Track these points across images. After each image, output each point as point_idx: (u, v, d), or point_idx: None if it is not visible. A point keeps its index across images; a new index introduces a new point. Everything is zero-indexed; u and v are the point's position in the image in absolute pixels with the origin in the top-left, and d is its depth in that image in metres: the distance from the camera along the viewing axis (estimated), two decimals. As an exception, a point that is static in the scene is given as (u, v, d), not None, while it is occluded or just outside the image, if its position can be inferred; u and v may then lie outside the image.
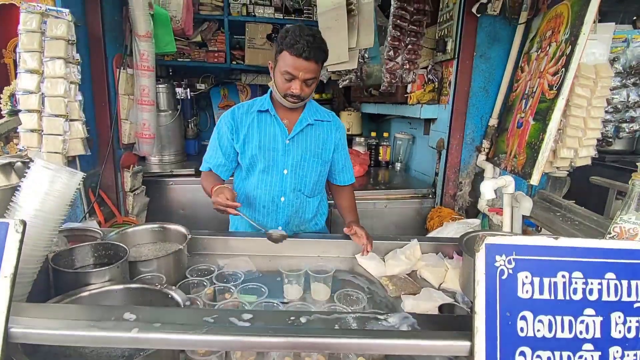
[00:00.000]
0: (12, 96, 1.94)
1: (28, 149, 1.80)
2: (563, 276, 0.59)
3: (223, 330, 0.56)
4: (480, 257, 0.58)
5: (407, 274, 1.51)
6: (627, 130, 2.02)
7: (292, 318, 0.66)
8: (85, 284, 1.00)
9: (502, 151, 2.00)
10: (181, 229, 1.49)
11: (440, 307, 1.11)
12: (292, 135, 1.62)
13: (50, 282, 1.04)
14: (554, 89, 1.67)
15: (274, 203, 1.67)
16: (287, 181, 1.65)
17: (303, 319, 0.66)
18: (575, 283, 0.59)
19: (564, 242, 0.60)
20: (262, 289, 1.19)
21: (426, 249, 1.63)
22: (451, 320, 0.69)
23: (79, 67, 1.84)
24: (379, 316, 0.69)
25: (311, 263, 1.41)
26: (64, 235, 1.39)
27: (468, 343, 0.58)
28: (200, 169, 1.71)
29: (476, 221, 2.07)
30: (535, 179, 1.54)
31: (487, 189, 1.39)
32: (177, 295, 0.99)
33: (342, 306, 1.12)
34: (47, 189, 0.79)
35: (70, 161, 1.91)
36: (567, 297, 0.59)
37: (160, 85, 2.86)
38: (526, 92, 1.90)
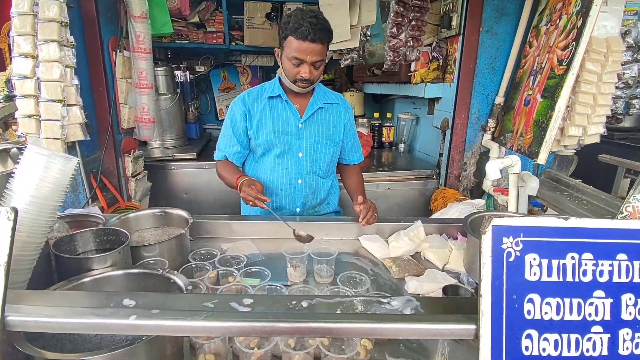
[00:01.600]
0: (8, 82, 1.90)
1: (27, 135, 1.78)
2: (572, 258, 0.57)
3: (223, 316, 0.55)
4: (487, 239, 0.56)
5: (410, 256, 1.50)
6: (637, 106, 1.96)
7: (293, 302, 0.65)
8: (87, 269, 1.00)
9: (509, 130, 1.95)
10: (183, 213, 1.48)
11: (445, 289, 1.11)
12: (305, 119, 1.66)
13: (53, 268, 1.04)
14: (564, 64, 1.61)
15: (291, 186, 1.72)
16: (302, 164, 1.69)
17: (305, 304, 0.65)
18: (585, 265, 0.57)
19: (574, 222, 0.57)
20: (265, 272, 1.19)
21: (430, 231, 1.62)
22: (455, 303, 0.68)
23: (73, 50, 1.80)
24: (382, 299, 0.68)
25: (314, 246, 1.41)
26: (66, 221, 1.38)
27: (473, 326, 0.56)
28: (215, 157, 1.74)
29: (481, 202, 2.04)
30: (542, 158, 1.50)
31: (492, 168, 1.36)
32: (179, 280, 0.99)
33: (345, 288, 1.11)
34: (42, 174, 0.78)
35: (70, 147, 1.89)
36: (577, 279, 0.57)
37: (158, 68, 2.81)
38: (534, 68, 1.83)
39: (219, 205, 2.81)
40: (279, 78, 1.67)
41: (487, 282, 0.56)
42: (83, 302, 0.63)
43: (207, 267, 1.22)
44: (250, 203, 1.47)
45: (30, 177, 0.76)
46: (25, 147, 0.81)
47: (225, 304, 0.63)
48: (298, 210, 1.75)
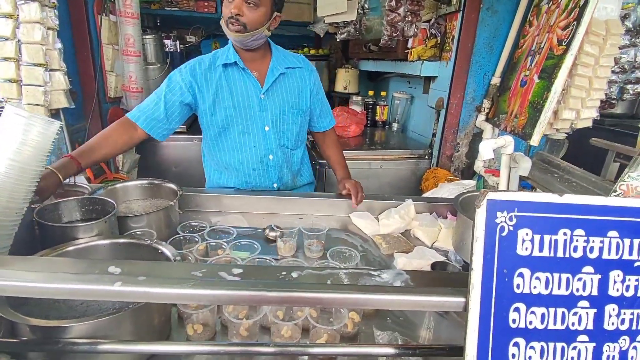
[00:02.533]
0: (-13, 43, 1.80)
1: (7, 101, 1.70)
2: (564, 234, 0.57)
3: (211, 284, 0.54)
4: (481, 213, 0.56)
5: (400, 233, 1.51)
6: (631, 92, 1.95)
7: (283, 273, 0.64)
8: (71, 238, 0.97)
9: (503, 111, 1.94)
10: (172, 185, 1.45)
11: (433, 265, 1.12)
12: (266, 89, 1.50)
13: (37, 236, 1.01)
14: (563, 44, 1.58)
15: (262, 163, 1.60)
16: (271, 138, 1.57)
17: (295, 274, 0.64)
18: (577, 241, 0.57)
19: (569, 199, 0.57)
20: (255, 246, 1.19)
21: (420, 209, 1.63)
22: (445, 277, 0.68)
23: (55, 10, 1.70)
24: (372, 272, 0.68)
25: (305, 221, 1.42)
26: (50, 190, 1.35)
27: (463, 299, 0.56)
28: (127, 114, 1.47)
29: (471, 182, 2.06)
30: (535, 140, 1.50)
31: (485, 148, 1.36)
32: (167, 250, 0.98)
33: (335, 263, 1.11)
34: (22, 137, 0.74)
35: (54, 114, 1.82)
36: (567, 255, 0.57)
37: (147, 36, 2.69)
38: (533, 48, 1.81)
39: None
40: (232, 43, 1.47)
41: (478, 255, 0.56)
42: (67, 268, 0.61)
43: (196, 239, 1.21)
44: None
45: (9, 140, 0.73)
46: (2, 107, 0.77)
47: (214, 273, 0.62)
48: (275, 186, 1.65)
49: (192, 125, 2.95)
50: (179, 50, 3.22)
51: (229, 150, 1.58)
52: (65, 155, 1.26)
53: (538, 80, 1.65)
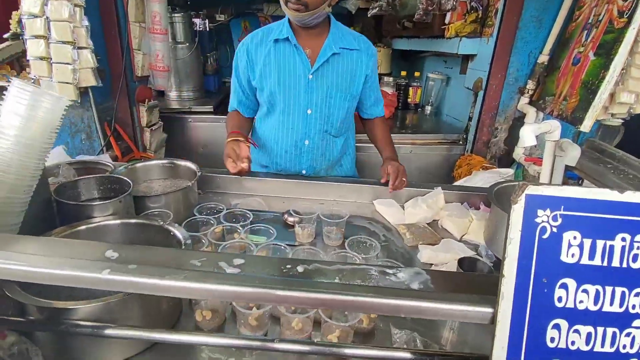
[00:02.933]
0: (20, 22, 1.84)
1: (39, 78, 1.74)
2: (623, 239, 0.47)
3: (203, 278, 0.49)
4: (518, 210, 0.46)
5: (427, 224, 1.42)
6: None
7: (288, 266, 0.59)
8: (87, 216, 0.97)
9: (550, 93, 1.76)
10: (191, 165, 1.44)
11: (461, 261, 1.03)
12: (316, 68, 1.41)
13: (55, 213, 1.02)
14: (625, 16, 1.38)
15: (297, 147, 1.54)
16: (311, 122, 1.49)
17: (300, 269, 0.58)
18: (638, 248, 0.47)
19: (631, 197, 0.46)
20: (271, 231, 1.14)
21: (451, 198, 1.53)
22: (471, 280, 0.60)
23: (82, -13, 1.70)
24: (388, 270, 0.61)
25: (326, 207, 1.36)
26: (75, 167, 1.37)
27: (490, 310, 0.48)
28: (229, 109, 1.65)
29: (509, 171, 1.90)
30: (587, 125, 1.34)
31: (528, 134, 1.22)
32: (178, 233, 0.96)
33: (353, 253, 1.05)
34: (28, 113, 0.72)
35: (83, 93, 1.85)
36: (625, 265, 0.47)
37: (175, 14, 2.68)
38: (589, 21, 1.60)
39: None
40: (288, 18, 1.41)
41: (512, 260, 0.47)
42: (64, 251, 0.58)
43: (212, 222, 1.18)
44: (231, 168, 1.30)
45: (14, 115, 0.71)
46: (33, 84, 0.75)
47: (213, 263, 0.57)
48: (304, 172, 1.60)
49: (220, 107, 2.93)
50: (207, 29, 3.19)
51: (268, 128, 1.57)
52: (230, 132, 1.45)
53: (594, 58, 1.46)
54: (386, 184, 1.45)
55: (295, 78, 1.43)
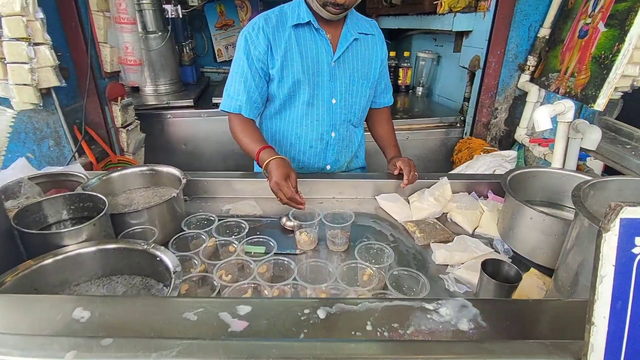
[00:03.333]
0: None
1: (-9, 82, 1.55)
2: None
3: (200, 351, 0.37)
4: (611, 240, 0.36)
5: (436, 218, 1.32)
6: None
7: (306, 312, 0.47)
8: (55, 245, 0.83)
9: (554, 69, 1.66)
10: (174, 171, 1.30)
11: (484, 265, 0.93)
12: (338, 55, 1.32)
13: (18, 244, 0.88)
14: (639, -18, 1.27)
15: (322, 141, 1.43)
16: (337, 112, 1.39)
17: (321, 313, 0.47)
18: None
19: None
20: (271, 243, 1.03)
21: (457, 188, 1.43)
22: (523, 309, 0.49)
23: (32, -26, 1.50)
24: (427, 304, 0.51)
25: (326, 206, 1.26)
26: (40, 182, 1.21)
27: (573, 364, 0.38)
28: (223, 107, 1.36)
29: (512, 153, 1.82)
30: (601, 103, 1.24)
31: (542, 116, 1.12)
32: (166, 258, 0.83)
33: (364, 264, 0.95)
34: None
35: (45, 95, 1.66)
36: None
37: (143, 1, 2.45)
38: (596, -11, 1.49)
39: (222, 156, 2.62)
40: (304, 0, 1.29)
41: (604, 303, 0.36)
42: (16, 317, 0.45)
43: (203, 237, 1.06)
44: (281, 199, 1.15)
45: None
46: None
47: (213, 316, 0.46)
48: (329, 168, 1.49)
49: (200, 99, 2.78)
50: (181, 16, 2.97)
51: (288, 122, 1.41)
52: (262, 147, 1.24)
53: (605, 29, 1.35)
54: (396, 177, 1.38)
55: (319, 65, 1.32)
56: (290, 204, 1.14)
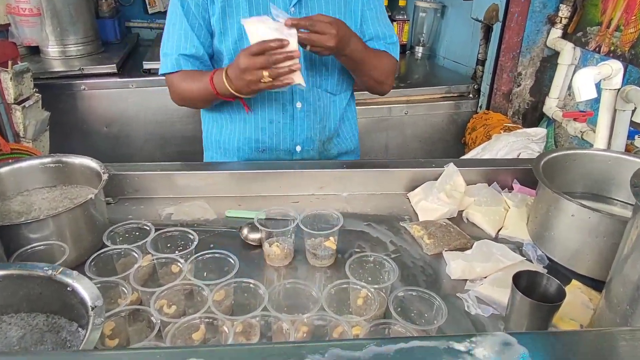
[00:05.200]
0: None
1: None
2: None
3: None
4: None
5: (448, 218, 1.33)
6: None
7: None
8: None
9: (593, 22, 1.72)
10: (92, 163, 1.25)
11: (516, 279, 0.93)
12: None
13: None
14: None
15: (286, 114, 1.45)
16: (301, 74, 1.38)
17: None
18: None
19: None
20: (231, 260, 0.99)
21: (472, 177, 1.46)
22: (598, 340, 0.47)
23: None
24: (455, 344, 0.48)
25: (304, 206, 1.27)
26: None
27: None
28: (161, 70, 1.41)
29: (541, 131, 1.89)
30: (656, 65, 1.27)
31: (584, 82, 1.12)
32: (81, 287, 0.79)
33: (359, 284, 0.94)
34: None
35: None
36: None
37: None
38: None
39: (159, 141, 2.60)
40: None
41: None
42: None
43: (135, 254, 1.01)
44: (263, 77, 1.18)
45: None
46: None
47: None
48: (299, 149, 1.51)
49: (127, 64, 2.72)
50: (96, -51, 2.86)
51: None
52: (213, 72, 1.32)
53: (659, -31, 1.39)
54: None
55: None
56: (280, 70, 1.18)
